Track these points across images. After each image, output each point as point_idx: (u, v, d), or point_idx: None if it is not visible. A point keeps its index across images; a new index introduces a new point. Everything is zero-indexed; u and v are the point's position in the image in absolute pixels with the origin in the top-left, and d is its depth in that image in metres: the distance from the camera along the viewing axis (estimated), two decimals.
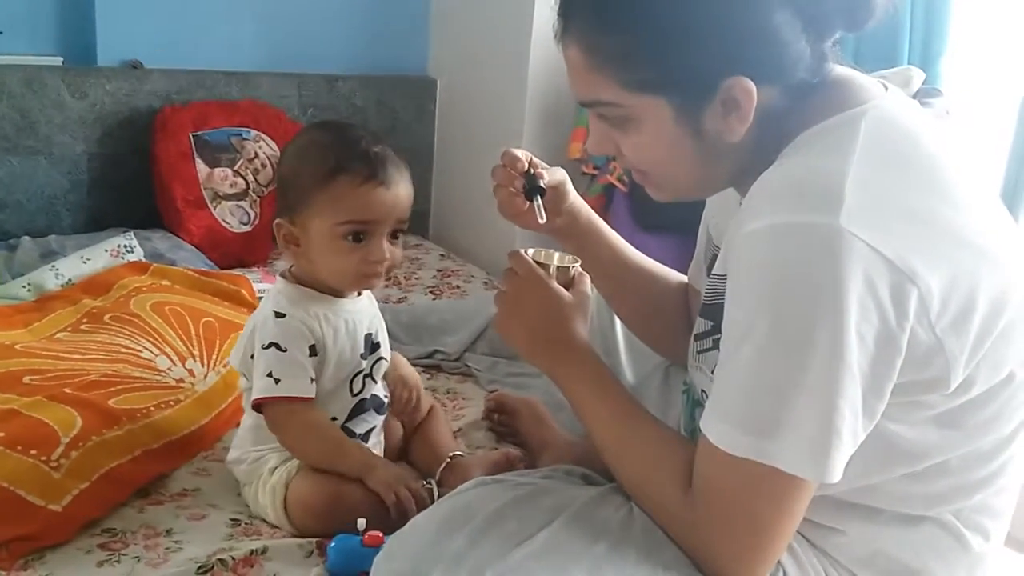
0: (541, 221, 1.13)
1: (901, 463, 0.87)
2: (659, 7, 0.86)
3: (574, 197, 1.23)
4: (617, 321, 1.45)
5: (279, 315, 1.21)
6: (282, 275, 1.29)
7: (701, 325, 1.00)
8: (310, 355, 1.21)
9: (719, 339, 0.88)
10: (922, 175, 0.86)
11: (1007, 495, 0.94)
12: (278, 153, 2.39)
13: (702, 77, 0.86)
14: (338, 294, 1.26)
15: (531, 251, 1.08)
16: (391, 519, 1.13)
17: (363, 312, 1.30)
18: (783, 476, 0.81)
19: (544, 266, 1.07)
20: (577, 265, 1.09)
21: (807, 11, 0.86)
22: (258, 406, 1.22)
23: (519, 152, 1.15)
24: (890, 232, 0.78)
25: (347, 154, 1.18)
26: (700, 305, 1.01)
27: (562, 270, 1.08)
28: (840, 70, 0.93)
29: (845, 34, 0.93)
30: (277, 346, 1.20)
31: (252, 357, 1.23)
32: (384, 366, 1.32)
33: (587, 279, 1.09)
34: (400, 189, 1.21)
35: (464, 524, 0.90)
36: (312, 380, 1.21)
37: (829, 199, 0.79)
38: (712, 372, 0.92)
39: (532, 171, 1.14)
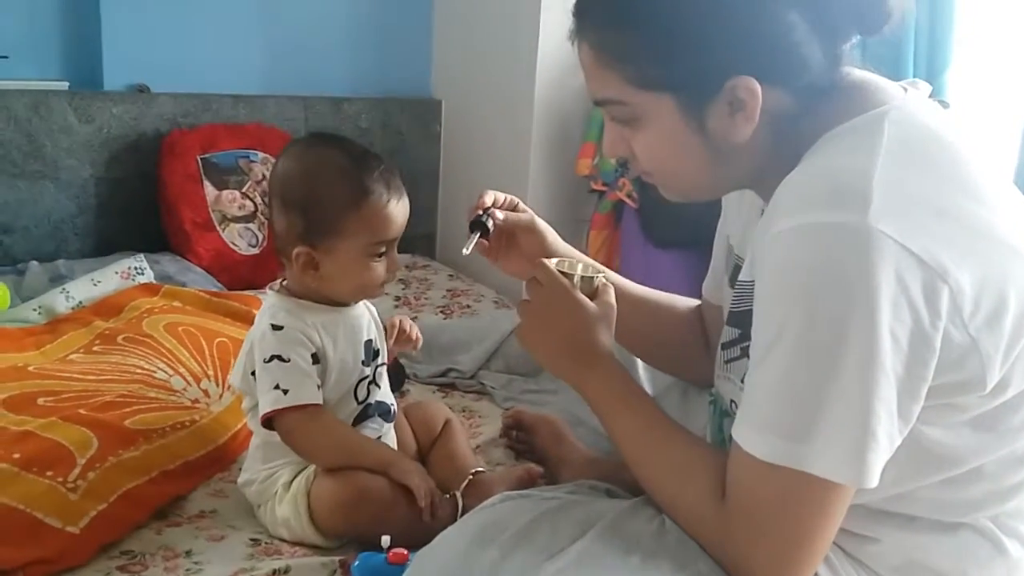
0: (464, 252, 1.15)
1: (936, 468, 0.86)
2: (665, 5, 0.87)
3: (554, 242, 1.22)
4: None
5: (276, 327, 1.21)
6: (273, 289, 1.28)
7: (728, 334, 0.99)
8: (314, 362, 1.22)
9: (747, 347, 0.87)
10: (948, 173, 0.85)
11: None
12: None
13: (707, 76, 0.87)
14: (334, 303, 1.26)
15: (555, 261, 1.08)
16: (414, 520, 1.15)
17: (361, 318, 1.30)
18: (819, 482, 0.80)
19: (568, 276, 1.06)
20: (602, 276, 1.09)
21: (816, 13, 0.86)
22: (268, 420, 1.21)
23: (493, 193, 1.18)
24: (919, 229, 0.78)
25: (368, 175, 1.21)
26: (726, 315, 1.01)
27: (586, 280, 1.07)
28: (859, 73, 0.93)
29: (865, 37, 0.92)
30: (279, 358, 1.20)
31: (253, 374, 1.23)
32: (385, 373, 1.33)
33: (611, 289, 1.08)
34: (407, 200, 1.26)
35: (495, 538, 0.89)
36: (319, 387, 1.21)
37: (857, 198, 0.78)
38: (741, 381, 0.91)
39: (485, 211, 1.16)
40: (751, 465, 0.83)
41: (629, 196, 2.20)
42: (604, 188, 2.29)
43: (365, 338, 1.29)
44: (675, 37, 0.87)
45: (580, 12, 0.93)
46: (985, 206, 0.84)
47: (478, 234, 1.15)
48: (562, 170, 2.42)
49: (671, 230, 2.12)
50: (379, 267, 1.24)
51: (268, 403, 1.19)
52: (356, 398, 1.27)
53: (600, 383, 1.02)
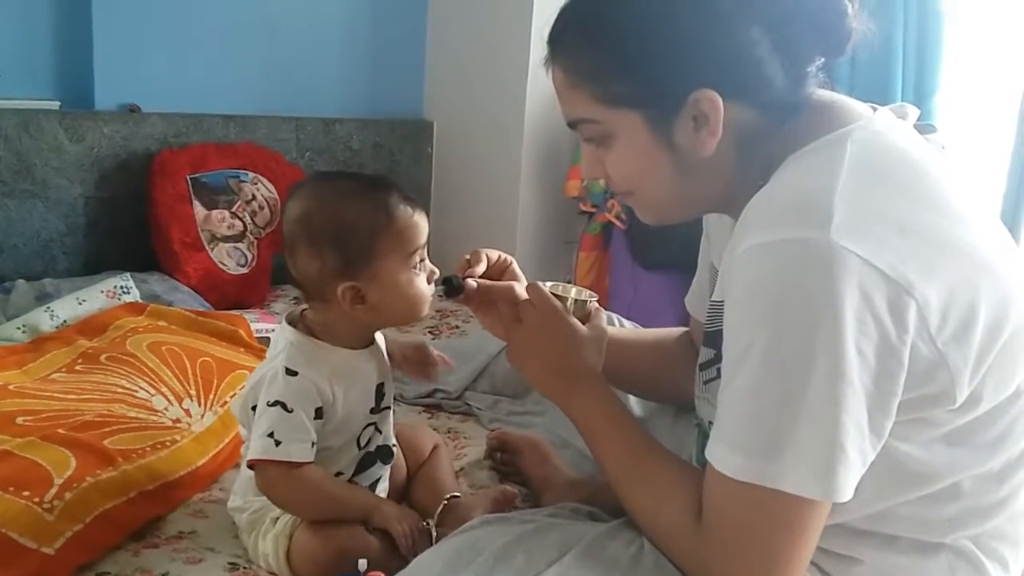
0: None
1: (912, 485, 0.86)
2: (630, 24, 0.90)
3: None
4: None
5: (291, 372, 1.16)
6: (291, 323, 1.23)
7: (705, 354, 0.99)
8: (316, 417, 1.17)
9: (721, 367, 0.87)
10: (914, 189, 0.86)
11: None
12: (276, 195, 2.39)
13: (670, 90, 0.89)
14: (352, 347, 1.22)
15: (549, 284, 1.08)
16: (396, 563, 1.10)
17: (376, 359, 1.25)
18: (790, 499, 0.79)
19: (562, 299, 1.07)
20: (595, 300, 1.10)
21: (778, 32, 0.88)
22: (252, 465, 1.17)
23: (484, 258, 1.17)
24: (883, 245, 0.78)
25: (384, 194, 1.18)
26: (703, 335, 1.00)
27: (579, 304, 1.08)
28: (825, 94, 0.94)
29: (833, 60, 0.94)
30: (284, 405, 1.14)
31: (253, 408, 1.18)
32: (390, 416, 1.29)
33: (603, 314, 1.10)
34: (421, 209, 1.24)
35: (471, 561, 0.89)
36: (313, 444, 1.16)
37: (819, 214, 0.79)
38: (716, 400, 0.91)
39: (464, 274, 1.16)
40: (723, 484, 0.83)
41: (618, 217, 2.20)
42: (593, 210, 2.29)
43: (378, 382, 1.25)
44: (638, 53, 0.89)
45: (553, 37, 0.96)
46: (953, 221, 0.85)
47: (443, 293, 1.16)
48: (552, 192, 2.43)
49: (659, 251, 2.13)
50: (422, 277, 1.20)
51: (257, 450, 1.15)
52: (358, 445, 1.23)
53: (587, 404, 1.03)
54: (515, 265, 1.20)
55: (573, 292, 1.09)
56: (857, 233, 0.77)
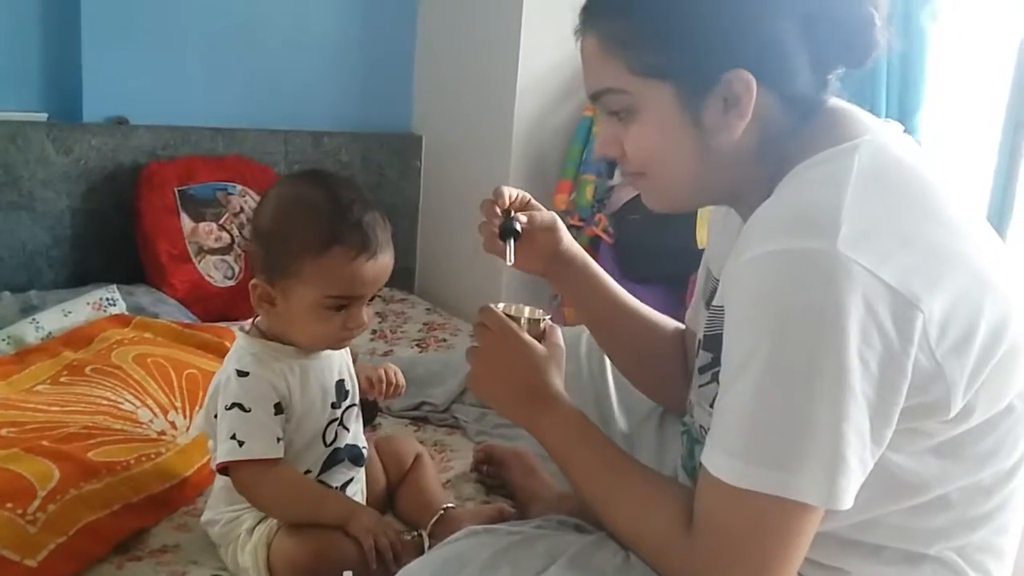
0: (508, 263, 1.14)
1: (902, 495, 0.86)
2: None
3: (568, 243, 1.23)
4: (608, 368, 1.44)
5: (242, 373, 1.16)
6: (243, 330, 1.24)
7: (703, 357, 0.99)
8: (276, 413, 1.16)
9: (718, 372, 0.87)
10: (919, 203, 0.86)
11: (1010, 536, 0.93)
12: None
13: (706, 66, 0.88)
14: (304, 347, 1.22)
15: (501, 305, 1.08)
16: (375, 569, 1.10)
17: (333, 358, 1.26)
18: (789, 506, 0.80)
19: (515, 319, 1.06)
20: (548, 318, 1.10)
21: (807, 27, 0.89)
22: (223, 469, 1.17)
23: (507, 190, 1.17)
24: (889, 257, 0.78)
25: (342, 223, 1.14)
26: (701, 338, 1.00)
27: (533, 323, 1.07)
28: (839, 102, 0.95)
29: (850, 69, 0.95)
30: (240, 406, 1.15)
31: (216, 417, 1.18)
32: (355, 413, 1.29)
33: (558, 331, 1.09)
34: (387, 258, 1.18)
35: (458, 572, 0.89)
36: (279, 439, 1.16)
37: (826, 226, 0.79)
38: (710, 406, 0.91)
39: (511, 212, 1.15)
40: (720, 491, 0.83)
41: (605, 231, 2.20)
42: (581, 223, 2.29)
43: (336, 378, 1.25)
44: (679, 25, 0.89)
45: (590, 4, 0.95)
46: (956, 236, 0.85)
47: (513, 240, 1.14)
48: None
49: (646, 265, 2.13)
50: (336, 321, 1.17)
51: (224, 453, 1.15)
52: (324, 442, 1.23)
53: (555, 425, 1.02)
54: (532, 200, 1.20)
55: (526, 312, 1.09)
56: (863, 245, 0.78)
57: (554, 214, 1.22)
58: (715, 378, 0.91)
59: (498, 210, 1.16)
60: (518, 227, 1.15)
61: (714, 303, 0.96)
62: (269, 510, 1.18)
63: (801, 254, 0.79)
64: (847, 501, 0.80)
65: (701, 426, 0.99)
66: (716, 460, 0.83)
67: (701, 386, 0.99)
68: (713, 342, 0.94)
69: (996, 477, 0.88)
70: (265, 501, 1.18)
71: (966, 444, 0.86)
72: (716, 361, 0.91)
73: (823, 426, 0.78)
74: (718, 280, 1.05)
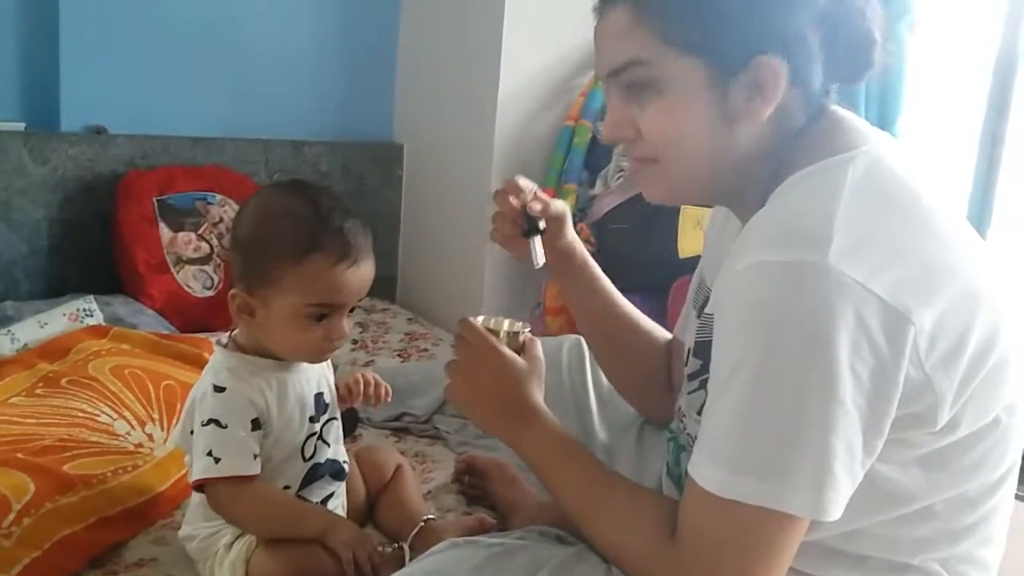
0: (538, 263, 1.13)
1: (887, 506, 0.86)
2: None
3: (572, 236, 1.23)
4: (589, 379, 1.43)
5: (219, 389, 1.15)
6: (221, 344, 1.22)
7: (692, 365, 0.99)
8: (253, 429, 1.15)
9: (706, 379, 0.87)
10: (912, 216, 0.87)
11: (993, 548, 0.93)
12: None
13: (740, 46, 0.88)
14: (283, 359, 1.21)
15: (481, 318, 1.08)
16: None
17: (312, 371, 1.24)
18: (774, 517, 0.79)
19: (494, 332, 1.06)
20: (527, 331, 1.09)
21: (829, 37, 0.90)
22: (199, 486, 1.15)
23: (524, 182, 1.15)
24: (881, 271, 0.79)
25: (322, 231, 1.12)
26: (692, 344, 1.00)
27: (512, 336, 1.07)
28: (839, 110, 0.95)
29: (849, 85, 0.97)
30: (217, 423, 1.13)
31: (192, 433, 1.17)
32: (335, 426, 1.27)
33: (538, 344, 1.09)
34: (368, 267, 1.17)
35: None
36: (256, 456, 1.15)
37: (818, 238, 0.79)
38: (698, 413, 0.91)
39: (528, 213, 1.13)
40: (705, 500, 0.82)
41: (587, 241, 2.20)
42: None
43: (315, 391, 1.24)
44: (719, 1, 0.89)
45: None
46: (949, 250, 0.86)
47: (539, 238, 1.13)
48: None
49: (627, 274, 2.12)
50: (317, 331, 1.15)
51: (199, 470, 1.13)
52: (303, 456, 1.21)
53: (536, 439, 1.02)
54: (539, 190, 1.18)
55: (506, 324, 1.08)
56: (855, 258, 0.78)
57: (565, 203, 1.21)
58: (703, 385, 0.90)
59: (513, 201, 1.14)
60: (542, 225, 1.13)
61: (706, 311, 0.95)
62: (245, 527, 1.17)
63: (793, 266, 0.79)
64: (835, 513, 0.79)
65: (689, 434, 0.99)
66: (702, 469, 0.83)
67: (690, 393, 0.99)
68: (703, 349, 0.94)
69: (981, 489, 0.89)
70: (241, 518, 1.16)
71: (952, 456, 0.86)
72: (704, 368, 0.91)
73: (811, 438, 0.78)
74: (711, 289, 1.05)
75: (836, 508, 0.79)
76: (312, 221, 1.13)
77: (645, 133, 0.94)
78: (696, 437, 0.86)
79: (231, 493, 1.14)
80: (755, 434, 0.80)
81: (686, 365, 1.02)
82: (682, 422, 1.04)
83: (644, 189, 1.00)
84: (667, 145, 0.93)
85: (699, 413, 0.91)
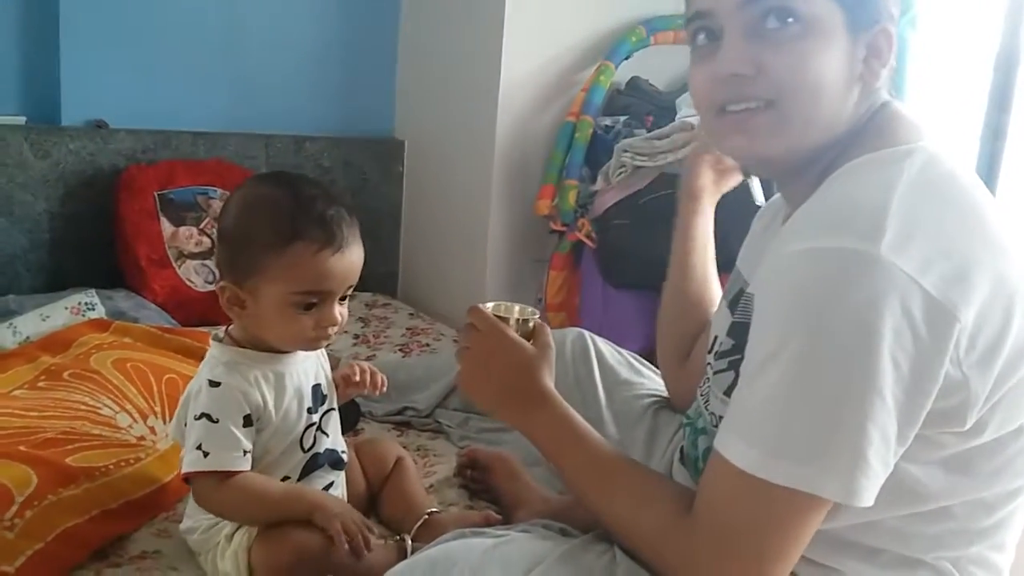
0: (760, 202, 1.27)
1: (905, 502, 0.86)
2: None
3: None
4: (596, 372, 1.44)
5: (213, 384, 1.15)
6: (216, 338, 1.22)
7: (724, 343, 0.99)
8: (245, 425, 1.15)
9: (736, 360, 0.88)
10: (964, 216, 0.87)
11: (1006, 554, 0.93)
12: None
13: (872, 9, 0.91)
14: (277, 350, 1.22)
15: (490, 305, 1.08)
16: (359, 566, 1.10)
17: (309, 362, 1.25)
18: (802, 499, 0.80)
19: (504, 319, 1.06)
20: (537, 316, 1.09)
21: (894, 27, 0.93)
22: (187, 479, 1.16)
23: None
24: (930, 265, 0.79)
25: (303, 218, 1.13)
26: (728, 326, 0.99)
27: (522, 323, 1.07)
28: (899, 104, 0.96)
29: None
30: (208, 417, 1.14)
31: (186, 426, 1.18)
32: (334, 417, 1.28)
33: (547, 329, 1.09)
34: (354, 254, 1.17)
35: (446, 572, 0.89)
36: (246, 452, 1.15)
37: (871, 228, 0.80)
38: (723, 393, 0.92)
39: None
40: (732, 476, 0.82)
41: (588, 236, 2.20)
42: (563, 228, 2.29)
43: (313, 383, 1.24)
44: None
45: None
46: (997, 254, 0.85)
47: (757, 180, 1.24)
48: (522, 210, 2.43)
49: (627, 271, 2.13)
50: (308, 320, 1.16)
51: (188, 463, 1.14)
52: (302, 447, 1.22)
53: (548, 424, 1.02)
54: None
55: (516, 311, 1.08)
56: (906, 250, 0.78)
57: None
58: (732, 366, 0.91)
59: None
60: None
61: (747, 291, 0.95)
62: (231, 518, 1.17)
63: (844, 253, 0.79)
64: (867, 499, 0.80)
65: (713, 412, 0.99)
66: (732, 445, 0.83)
67: (717, 372, 0.99)
68: (739, 330, 0.94)
69: (1000, 496, 0.89)
70: (224, 510, 1.17)
71: (975, 461, 0.86)
72: (736, 349, 0.91)
73: (849, 424, 0.78)
74: (746, 282, 1.04)
75: (869, 495, 0.80)
76: (293, 209, 1.14)
77: (773, 70, 0.90)
78: (721, 417, 0.87)
79: (212, 487, 1.14)
80: (794, 417, 0.80)
81: (713, 347, 1.02)
82: (705, 404, 1.04)
83: (749, 138, 0.93)
84: (795, 85, 0.90)
85: (726, 393, 0.92)
